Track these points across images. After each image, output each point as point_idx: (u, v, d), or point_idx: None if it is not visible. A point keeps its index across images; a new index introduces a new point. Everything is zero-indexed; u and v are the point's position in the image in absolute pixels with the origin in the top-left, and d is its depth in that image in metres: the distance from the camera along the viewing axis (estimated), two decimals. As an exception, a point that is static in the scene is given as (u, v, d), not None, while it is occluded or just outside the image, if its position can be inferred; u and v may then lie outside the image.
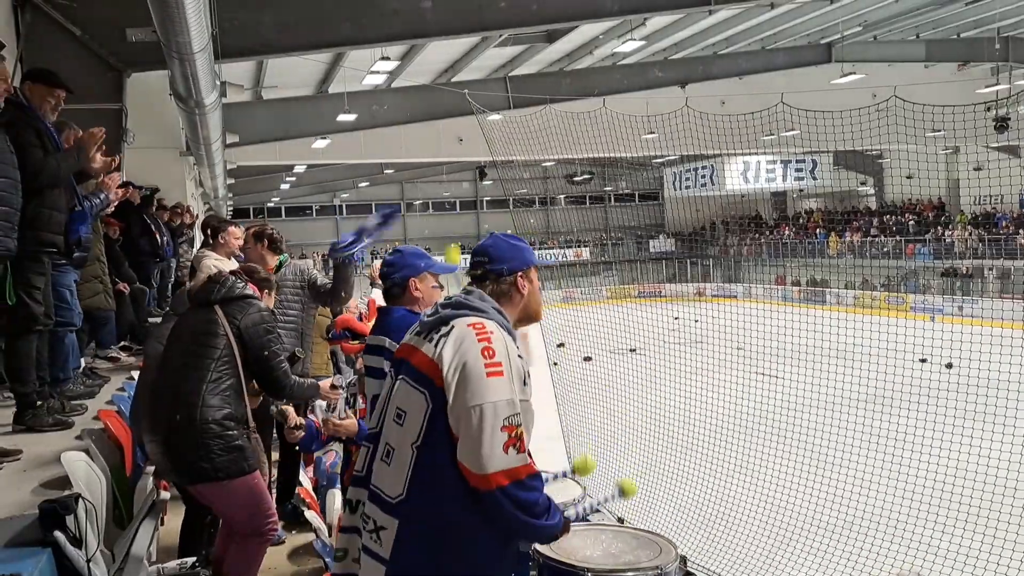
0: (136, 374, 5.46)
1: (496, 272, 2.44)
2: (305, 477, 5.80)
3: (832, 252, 35.58)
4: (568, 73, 18.81)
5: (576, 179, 40.01)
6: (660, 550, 2.98)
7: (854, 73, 19.92)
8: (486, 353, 2.17)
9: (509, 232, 2.67)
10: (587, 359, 17.68)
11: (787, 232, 39.57)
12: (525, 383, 2.25)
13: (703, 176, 28.16)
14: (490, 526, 2.21)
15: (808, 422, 12.85)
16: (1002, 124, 20.90)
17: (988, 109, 21.23)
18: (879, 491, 9.94)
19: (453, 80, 17.45)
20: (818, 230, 37.71)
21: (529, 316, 2.52)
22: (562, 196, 45.30)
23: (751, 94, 19.84)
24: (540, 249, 42.65)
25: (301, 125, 17.69)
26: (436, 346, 2.23)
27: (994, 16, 18.99)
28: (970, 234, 30.57)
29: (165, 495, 4.07)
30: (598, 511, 3.12)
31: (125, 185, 7.30)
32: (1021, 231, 28.51)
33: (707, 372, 15.02)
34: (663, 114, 19.30)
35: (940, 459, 10.44)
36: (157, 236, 8.27)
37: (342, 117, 17.18)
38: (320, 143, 20.59)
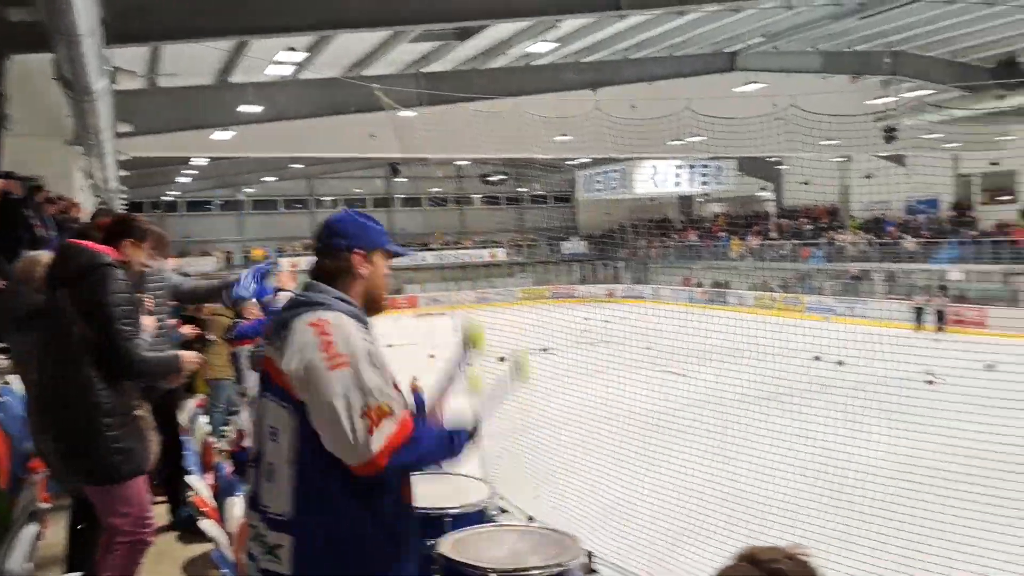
0: (11, 378, 5.10)
1: (336, 247, 2.35)
2: (203, 484, 5.56)
3: (734, 255, 36.87)
4: (482, 72, 18.75)
5: (490, 179, 40.04)
6: (564, 547, 2.99)
7: (756, 82, 20.64)
8: (325, 348, 2.13)
9: (365, 213, 2.53)
10: (501, 359, 17.68)
11: (693, 235, 40.77)
12: (376, 365, 2.19)
13: (613, 179, 28.65)
14: (385, 528, 2.21)
15: (713, 418, 13.25)
16: (890, 135, 21.98)
17: (878, 120, 22.36)
18: (778, 482, 10.30)
19: (364, 74, 17.11)
20: (721, 233, 39.00)
21: (372, 303, 2.39)
22: (477, 196, 45.30)
23: (660, 99, 20.29)
24: (455, 249, 42.57)
25: (201, 116, 16.96)
26: (283, 355, 2.18)
27: (884, 31, 20.01)
28: (860, 238, 32.18)
29: (44, 505, 3.81)
30: (505, 512, 3.09)
31: (6, 176, 6.83)
32: (906, 236, 30.17)
33: (617, 371, 15.28)
34: (575, 116, 19.56)
35: (832, 450, 10.94)
36: (41, 231, 7.76)
37: (245, 108, 16.59)
38: (222, 135, 19.84)
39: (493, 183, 41.10)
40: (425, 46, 16.63)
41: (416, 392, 10.01)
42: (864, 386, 14.04)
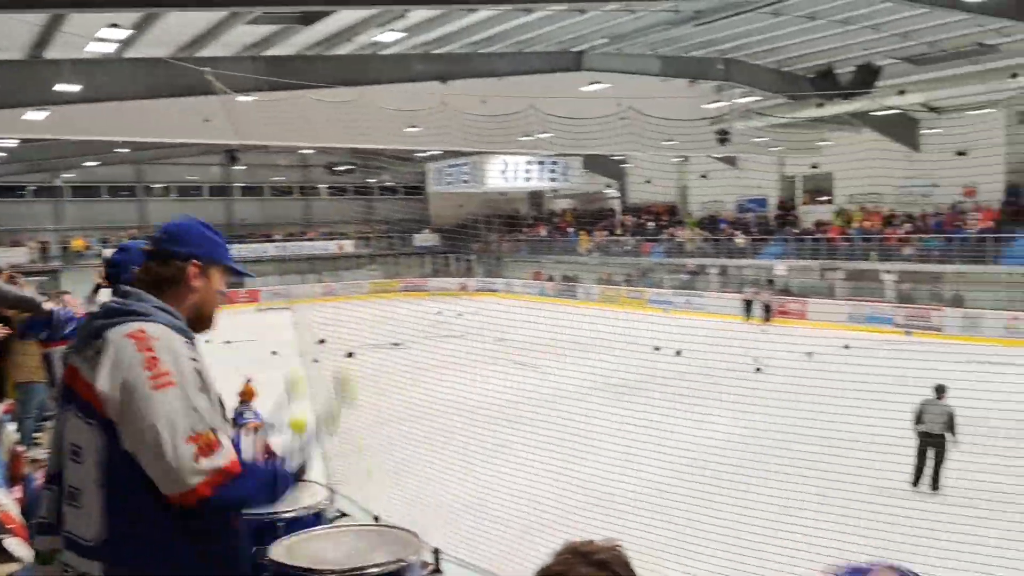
0: None
1: (172, 253, 2.17)
2: (10, 498, 4.99)
3: (583, 250, 37.96)
4: (327, 58, 18.18)
5: (337, 168, 38.98)
6: (406, 544, 2.91)
7: (600, 82, 21.26)
8: (149, 364, 1.94)
9: (210, 225, 2.33)
10: (349, 355, 17.30)
11: (543, 230, 41.61)
12: (203, 388, 2.02)
13: (464, 173, 28.69)
14: (208, 552, 2.04)
15: (562, 409, 13.49)
16: (723, 137, 23.28)
17: (712, 123, 23.63)
18: (625, 470, 10.62)
19: (198, 55, 16.11)
20: (570, 229, 40.04)
21: (200, 319, 2.21)
22: (323, 186, 43.99)
23: (510, 96, 20.50)
24: (300, 240, 41.19)
25: (10, 93, 15.37)
26: (94, 369, 1.96)
27: (718, 39, 21.18)
28: (697, 235, 33.99)
29: None
30: (345, 515, 2.94)
31: None
32: (738, 233, 32.17)
33: (469, 365, 15.27)
34: (424, 108, 19.37)
35: (673, 436, 11.40)
36: None
37: (62, 87, 15.19)
38: (35, 115, 18.09)
39: (340, 173, 40.05)
40: (265, 29, 15.90)
41: (248, 399, 9.42)
42: (700, 374, 14.79)
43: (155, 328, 2.00)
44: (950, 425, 10.49)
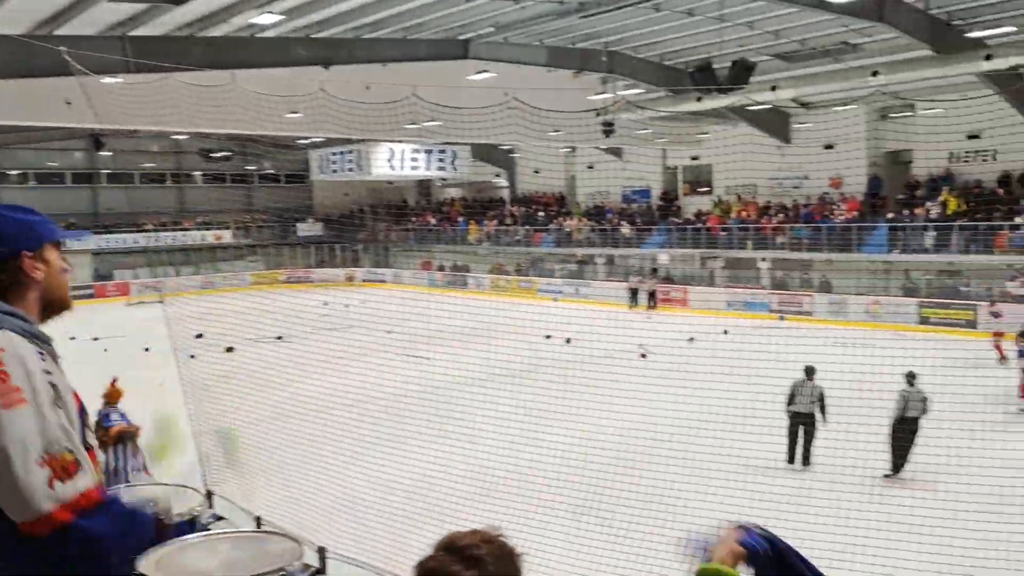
0: None
1: None
2: None
3: (472, 239, 37.93)
4: (200, 40, 17.28)
5: (214, 155, 37.21)
6: (287, 551, 2.71)
7: (487, 71, 21.21)
8: None
9: (19, 205, 2.05)
10: (229, 349, 16.67)
11: (432, 219, 41.31)
12: (58, 403, 1.82)
13: (350, 160, 27.98)
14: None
15: (453, 399, 13.41)
16: (608, 129, 23.66)
17: (598, 115, 24.00)
18: (518, 457, 10.63)
19: (56, 33, 14.96)
20: (460, 218, 39.92)
21: (53, 305, 2.01)
22: (198, 173, 41.96)
23: (395, 83, 20.14)
24: (174, 230, 39.19)
25: None
26: None
27: (602, 32, 21.53)
28: (585, 225, 34.57)
29: None
30: (222, 518, 2.73)
31: None
32: (624, 223, 32.93)
33: (358, 357, 14.94)
34: (306, 95, 18.76)
35: (564, 423, 11.53)
36: None
37: None
38: None
39: (216, 160, 38.24)
40: (131, 7, 14.94)
41: (113, 401, 8.80)
42: (589, 361, 15.04)
43: (1, 337, 1.77)
44: (820, 404, 11.04)
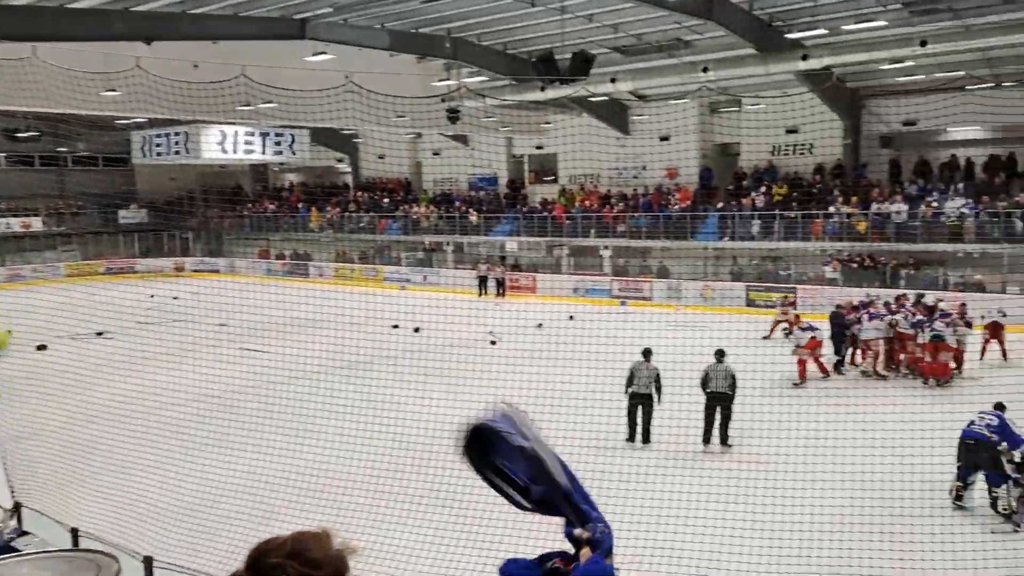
0: None
1: None
2: None
3: (314, 226, 36.71)
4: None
5: (19, 135, 33.54)
6: (99, 568, 2.38)
7: (325, 53, 20.42)
8: None
9: None
10: (41, 348, 15.29)
11: (269, 206, 39.56)
12: None
13: (176, 143, 26.08)
14: None
15: (294, 393, 12.85)
16: (453, 115, 23.50)
17: (443, 101, 23.79)
18: (364, 450, 10.30)
19: None
20: (299, 204, 38.48)
21: None
22: (2, 155, 37.80)
23: (226, 62, 18.99)
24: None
25: None
26: None
27: (445, 17, 21.30)
28: (432, 212, 34.30)
29: None
30: (27, 533, 2.31)
31: None
32: (471, 210, 32.94)
33: (189, 352, 14.03)
34: (124, 71, 17.34)
35: (412, 413, 11.32)
36: None
37: None
38: None
39: (23, 140, 34.48)
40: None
41: None
42: (438, 349, 14.87)
43: None
44: (657, 384, 11.43)
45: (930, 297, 17.14)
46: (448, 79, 24.50)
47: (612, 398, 11.70)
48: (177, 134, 25.76)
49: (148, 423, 11.57)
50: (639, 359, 11.58)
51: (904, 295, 17.21)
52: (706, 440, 11.32)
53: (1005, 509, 8.57)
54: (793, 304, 20.74)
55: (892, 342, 15.29)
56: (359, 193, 37.74)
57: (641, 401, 11.48)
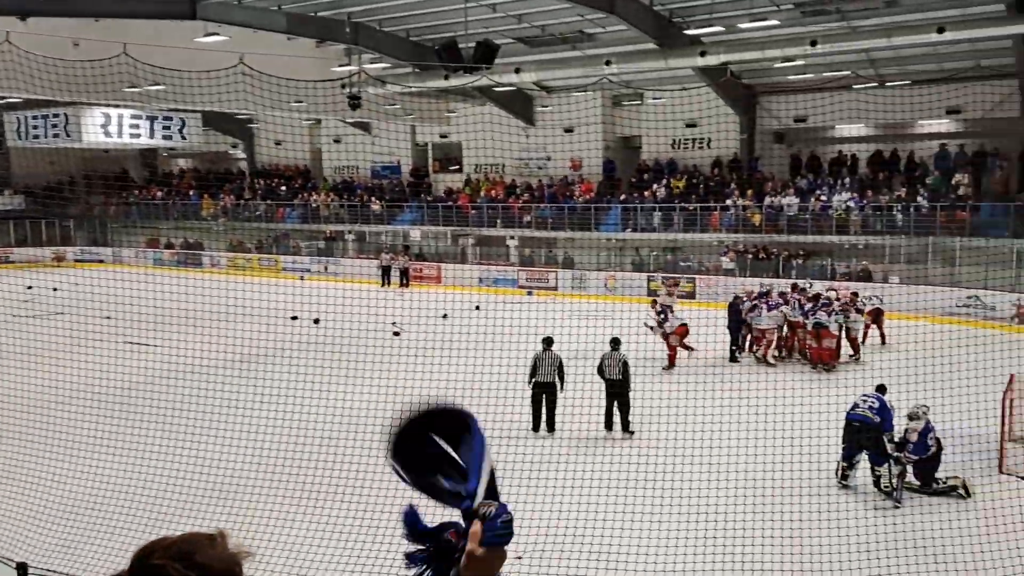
0: None
1: None
2: None
3: (206, 214, 35.24)
4: None
5: None
6: None
7: (218, 34, 19.52)
8: None
9: None
10: None
11: (158, 193, 37.74)
12: None
13: (55, 125, 24.40)
14: None
15: (187, 388, 12.29)
16: (355, 102, 22.95)
17: (344, 87, 23.21)
18: (260, 445, 9.92)
19: None
20: (191, 191, 36.86)
21: None
22: None
23: (111, 40, 17.89)
24: None
25: None
26: None
27: (345, 1, 20.73)
28: (332, 200, 33.50)
29: None
30: None
31: None
32: (373, 199, 32.34)
33: (71, 347, 13.19)
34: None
35: (313, 406, 11.02)
36: None
37: None
38: None
39: None
40: None
41: None
42: (340, 341, 14.49)
43: None
44: (559, 373, 11.48)
45: (817, 286, 17.95)
46: (349, 65, 23.88)
47: (518, 387, 11.69)
48: (56, 116, 24.10)
49: (27, 423, 10.81)
50: (540, 349, 11.62)
51: (796, 284, 17.95)
52: (608, 426, 11.49)
53: (887, 487, 9.01)
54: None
55: (782, 330, 15.94)
56: (255, 180, 36.46)
57: (545, 390, 11.51)
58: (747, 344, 16.15)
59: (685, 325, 15.44)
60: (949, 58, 21.03)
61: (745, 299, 16.35)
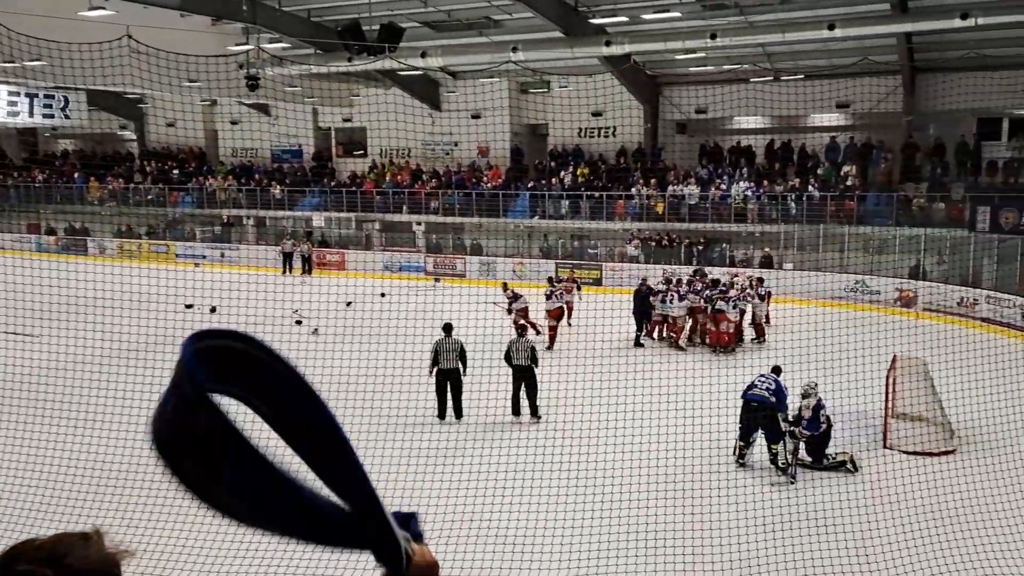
0: None
1: None
2: None
3: (93, 198, 33.35)
4: None
5: None
6: None
7: (104, 8, 18.41)
8: None
9: None
10: None
11: (39, 175, 35.47)
12: None
13: (-81, 100, 22.56)
14: None
15: (71, 381, 11.59)
16: (253, 82, 22.15)
17: (241, 67, 22.33)
18: (143, 444, 9.43)
19: None
20: (76, 174, 34.80)
21: None
22: None
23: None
24: None
25: None
26: None
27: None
28: (230, 184, 32.29)
29: None
30: None
31: None
32: (274, 183, 31.34)
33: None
34: None
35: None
36: None
37: None
38: None
39: None
40: None
41: None
42: (240, 329, 13.96)
43: None
44: (462, 358, 11.42)
45: (717, 273, 18.51)
46: (247, 44, 22.98)
47: (425, 375, 11.57)
48: (-81, 90, 22.28)
49: None
50: (441, 336, 11.55)
51: (699, 271, 18.44)
52: (515, 412, 11.51)
53: (783, 464, 9.37)
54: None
55: (690, 315, 16.39)
56: (146, 163, 34.74)
57: (449, 377, 11.45)
58: (655, 331, 16.49)
59: (526, 308, 16.29)
60: (839, 54, 21.99)
61: (653, 286, 16.70)
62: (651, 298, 16.34)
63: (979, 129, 22.84)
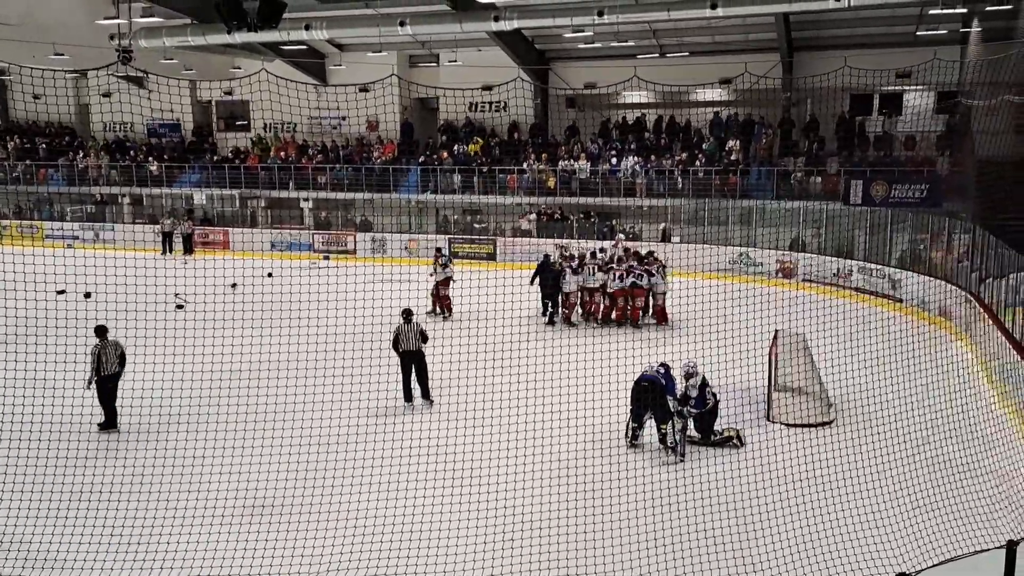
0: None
1: None
2: None
3: (-52, 177, 30.75)
4: None
5: None
6: None
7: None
8: None
9: None
10: None
11: None
12: None
13: None
14: None
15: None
16: (126, 54, 20.91)
17: (112, 38, 21.06)
18: (16, 442, 8.86)
19: None
20: (-73, 151, 31.94)
21: None
22: None
23: None
24: None
25: None
26: None
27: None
28: (103, 160, 30.40)
29: None
30: None
31: None
32: (152, 160, 29.70)
33: None
34: None
35: (81, 394, 10.04)
36: None
37: None
38: None
39: None
40: None
41: None
42: (114, 316, 13.21)
43: None
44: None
45: (609, 247, 18.74)
46: (117, 18, 21.53)
47: (319, 358, 11.25)
48: None
49: None
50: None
51: (601, 248, 18.55)
52: (407, 398, 11.44)
53: (672, 443, 9.64)
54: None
55: (584, 293, 16.56)
56: (9, 138, 32.24)
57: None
58: (578, 307, 16.57)
59: (450, 279, 17.01)
60: (721, 32, 22.58)
61: (559, 261, 16.75)
62: (565, 273, 16.32)
63: (852, 105, 24.04)
